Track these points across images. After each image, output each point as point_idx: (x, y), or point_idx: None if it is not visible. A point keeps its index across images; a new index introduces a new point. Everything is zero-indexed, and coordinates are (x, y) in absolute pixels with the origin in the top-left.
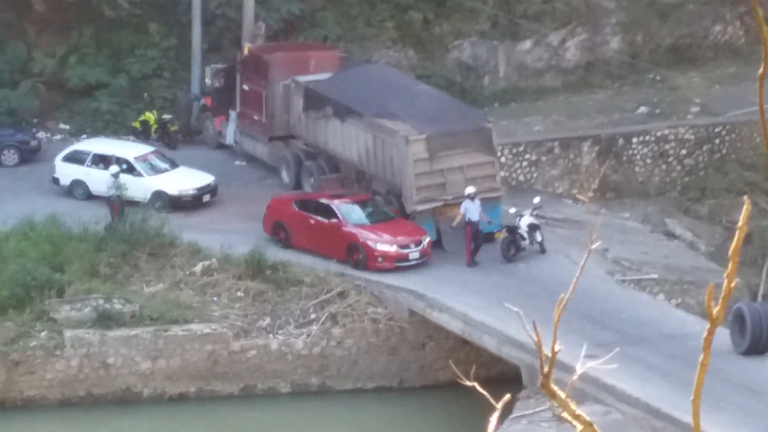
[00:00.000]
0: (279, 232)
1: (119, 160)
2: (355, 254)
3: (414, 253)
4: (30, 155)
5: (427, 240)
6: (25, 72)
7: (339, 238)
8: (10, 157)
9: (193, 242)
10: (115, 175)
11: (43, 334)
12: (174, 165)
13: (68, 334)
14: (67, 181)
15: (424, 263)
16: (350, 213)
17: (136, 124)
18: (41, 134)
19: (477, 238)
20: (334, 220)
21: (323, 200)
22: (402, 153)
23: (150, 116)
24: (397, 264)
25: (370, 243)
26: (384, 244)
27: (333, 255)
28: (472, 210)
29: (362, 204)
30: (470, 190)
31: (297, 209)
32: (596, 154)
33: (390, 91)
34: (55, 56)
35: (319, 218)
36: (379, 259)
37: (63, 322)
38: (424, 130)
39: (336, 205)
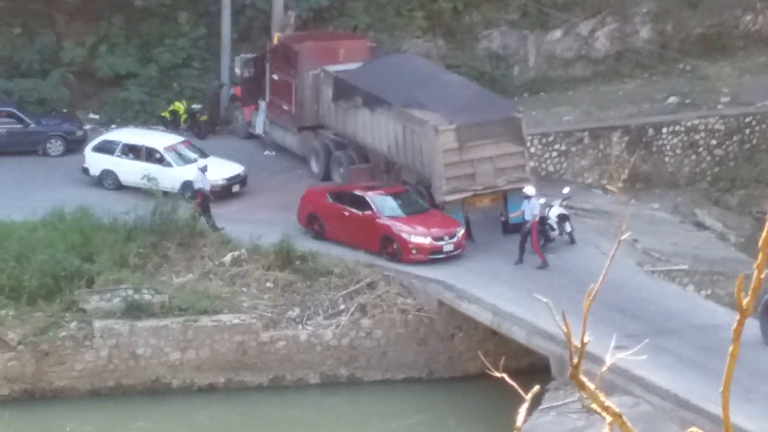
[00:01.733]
0: (313, 223)
1: (149, 150)
2: (390, 246)
3: (448, 246)
4: (76, 145)
5: (461, 232)
6: (54, 62)
7: (373, 230)
8: (56, 146)
9: (223, 232)
10: (203, 169)
11: (73, 324)
12: (204, 155)
13: (97, 324)
14: (97, 171)
15: (458, 255)
16: (384, 205)
17: (166, 114)
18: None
19: (520, 234)
20: (368, 212)
21: (357, 192)
22: (431, 143)
23: (179, 106)
24: (432, 256)
25: (404, 235)
26: (418, 236)
27: (367, 247)
28: (526, 210)
29: (396, 196)
30: (528, 190)
31: (331, 201)
32: (626, 144)
33: (419, 80)
34: (84, 46)
35: (354, 210)
36: (414, 252)
37: (92, 313)
38: (454, 120)
39: (370, 197)
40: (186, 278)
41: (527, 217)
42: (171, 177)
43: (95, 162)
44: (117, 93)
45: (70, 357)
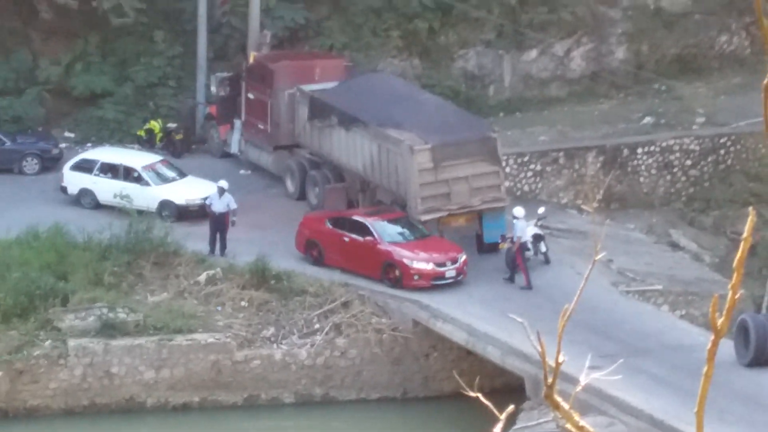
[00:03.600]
0: (312, 250)
1: (127, 169)
2: (391, 273)
3: (450, 271)
4: (51, 163)
5: (463, 258)
6: (30, 80)
7: (374, 256)
8: (32, 165)
9: (198, 251)
10: (220, 190)
11: (47, 343)
12: (182, 174)
13: (72, 343)
14: (75, 189)
15: (460, 281)
16: (385, 231)
17: (141, 133)
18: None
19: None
20: (369, 238)
21: (357, 218)
22: (407, 162)
23: (155, 125)
24: (434, 282)
25: (406, 261)
26: (420, 262)
27: (368, 273)
28: (515, 231)
29: (397, 221)
30: (517, 211)
31: (330, 227)
32: (601, 164)
33: (395, 100)
34: (60, 64)
35: (354, 236)
36: (416, 277)
37: (67, 331)
38: (430, 140)
39: (371, 222)
40: (161, 297)
41: (516, 238)
42: (149, 196)
43: (73, 181)
44: (92, 111)
45: (44, 376)
